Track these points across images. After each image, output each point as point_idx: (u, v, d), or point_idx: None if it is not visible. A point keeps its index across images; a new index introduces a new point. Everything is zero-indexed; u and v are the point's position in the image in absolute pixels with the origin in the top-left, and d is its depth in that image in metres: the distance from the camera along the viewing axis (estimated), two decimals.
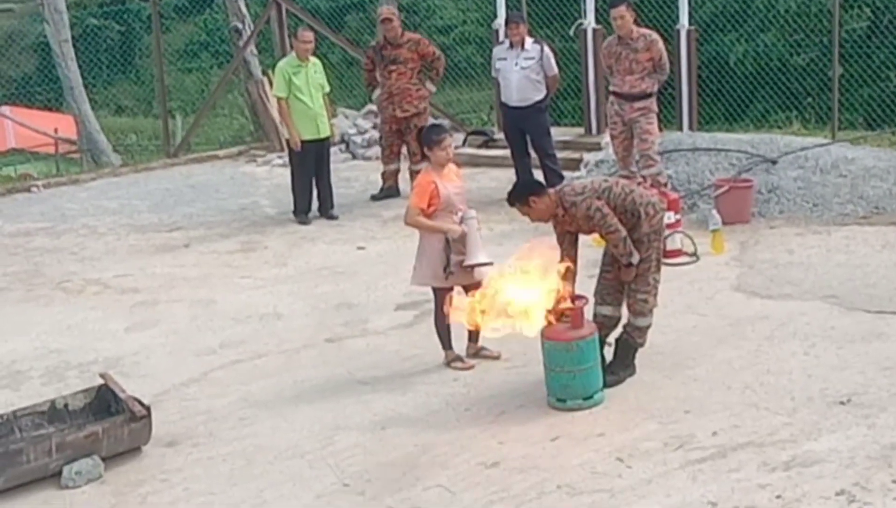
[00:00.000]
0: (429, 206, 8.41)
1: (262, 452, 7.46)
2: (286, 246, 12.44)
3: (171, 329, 10.02)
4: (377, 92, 13.98)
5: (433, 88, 13.91)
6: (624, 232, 7.74)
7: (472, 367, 8.57)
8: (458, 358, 8.67)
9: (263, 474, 7.18)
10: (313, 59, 13.41)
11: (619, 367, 8.06)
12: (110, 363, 9.12)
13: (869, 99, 16.99)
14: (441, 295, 8.45)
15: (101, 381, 8.01)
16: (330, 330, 9.69)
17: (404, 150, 13.91)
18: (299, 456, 7.35)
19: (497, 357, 8.68)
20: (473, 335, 8.70)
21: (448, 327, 8.57)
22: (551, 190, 7.93)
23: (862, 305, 9.20)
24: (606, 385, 7.84)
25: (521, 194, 7.91)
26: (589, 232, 7.97)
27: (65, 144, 23.33)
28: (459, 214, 8.48)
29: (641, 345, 8.13)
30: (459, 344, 8.69)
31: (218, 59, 26.95)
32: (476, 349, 8.77)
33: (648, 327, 8.08)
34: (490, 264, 8.33)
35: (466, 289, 8.34)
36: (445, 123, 15.09)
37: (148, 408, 7.54)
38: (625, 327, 8.13)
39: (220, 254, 12.30)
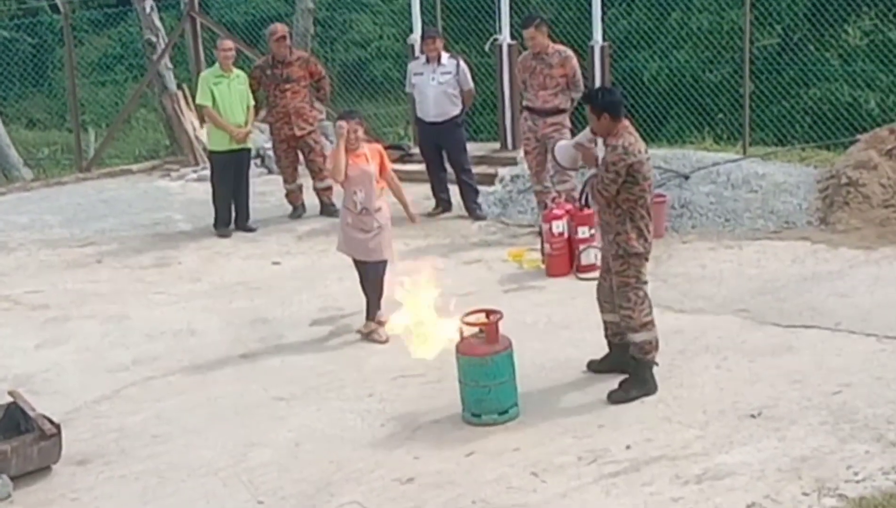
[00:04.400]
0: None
1: (175, 470, 7.39)
2: (200, 261, 12.33)
3: (82, 346, 9.90)
4: (263, 112, 13.75)
5: (321, 109, 13.54)
6: (603, 202, 7.90)
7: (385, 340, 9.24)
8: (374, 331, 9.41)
9: (176, 492, 7.11)
10: (237, 70, 13.29)
11: (630, 385, 7.97)
12: (20, 381, 8.99)
13: (779, 115, 17.21)
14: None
15: (10, 399, 7.91)
16: (245, 346, 9.62)
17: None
18: (213, 474, 7.30)
19: (385, 341, 9.28)
20: (371, 313, 9.35)
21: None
22: (625, 123, 7.96)
23: (773, 319, 9.32)
24: (610, 400, 7.89)
25: (606, 104, 7.96)
26: (591, 162, 8.30)
27: None
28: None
29: (647, 361, 8.01)
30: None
31: (133, 73, 26.63)
32: (368, 330, 9.34)
33: (647, 342, 7.98)
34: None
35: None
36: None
37: (58, 426, 7.45)
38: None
39: (134, 269, 12.15)
